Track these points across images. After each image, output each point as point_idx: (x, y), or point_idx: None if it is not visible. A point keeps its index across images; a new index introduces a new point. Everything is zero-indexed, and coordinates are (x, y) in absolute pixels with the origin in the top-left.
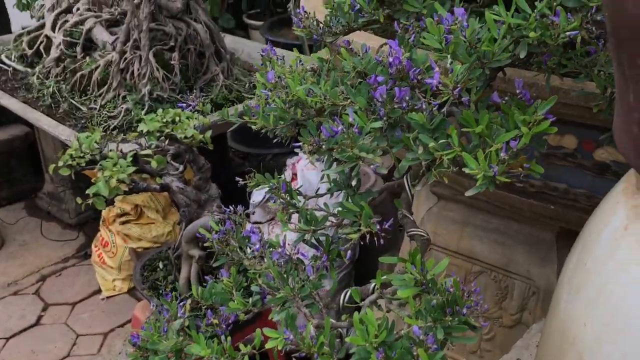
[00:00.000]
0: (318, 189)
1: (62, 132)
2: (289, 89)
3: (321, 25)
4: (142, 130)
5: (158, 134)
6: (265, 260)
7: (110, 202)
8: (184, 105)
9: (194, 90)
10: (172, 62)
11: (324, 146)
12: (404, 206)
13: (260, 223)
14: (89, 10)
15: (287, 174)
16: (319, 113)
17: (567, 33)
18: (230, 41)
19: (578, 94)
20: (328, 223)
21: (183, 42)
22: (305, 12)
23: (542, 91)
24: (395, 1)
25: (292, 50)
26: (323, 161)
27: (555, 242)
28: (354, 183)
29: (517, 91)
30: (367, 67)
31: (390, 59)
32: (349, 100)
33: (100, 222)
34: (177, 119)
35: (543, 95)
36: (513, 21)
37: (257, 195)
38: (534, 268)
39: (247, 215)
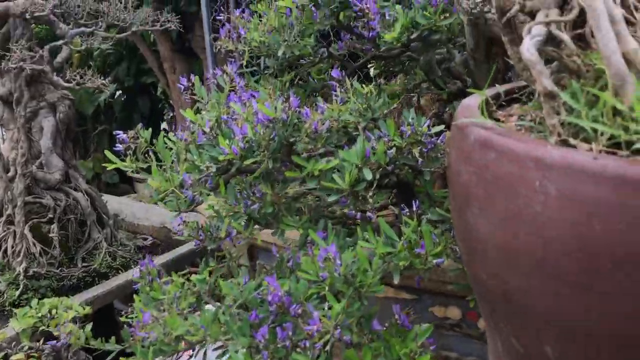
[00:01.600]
0: None
1: None
2: (167, 327)
3: (201, 232)
4: (13, 328)
5: (32, 330)
6: None
7: None
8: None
9: (75, 262)
10: (51, 235)
11: None
12: None
13: None
14: None
15: None
16: (201, 343)
17: (435, 261)
18: (114, 202)
19: (455, 287)
20: None
21: (62, 213)
22: (183, 221)
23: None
24: (271, 222)
25: None
26: None
27: None
28: None
29: (396, 316)
30: (247, 299)
31: (270, 297)
32: (230, 336)
33: None
34: (54, 311)
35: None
36: (383, 250)
37: None
38: None
39: None
